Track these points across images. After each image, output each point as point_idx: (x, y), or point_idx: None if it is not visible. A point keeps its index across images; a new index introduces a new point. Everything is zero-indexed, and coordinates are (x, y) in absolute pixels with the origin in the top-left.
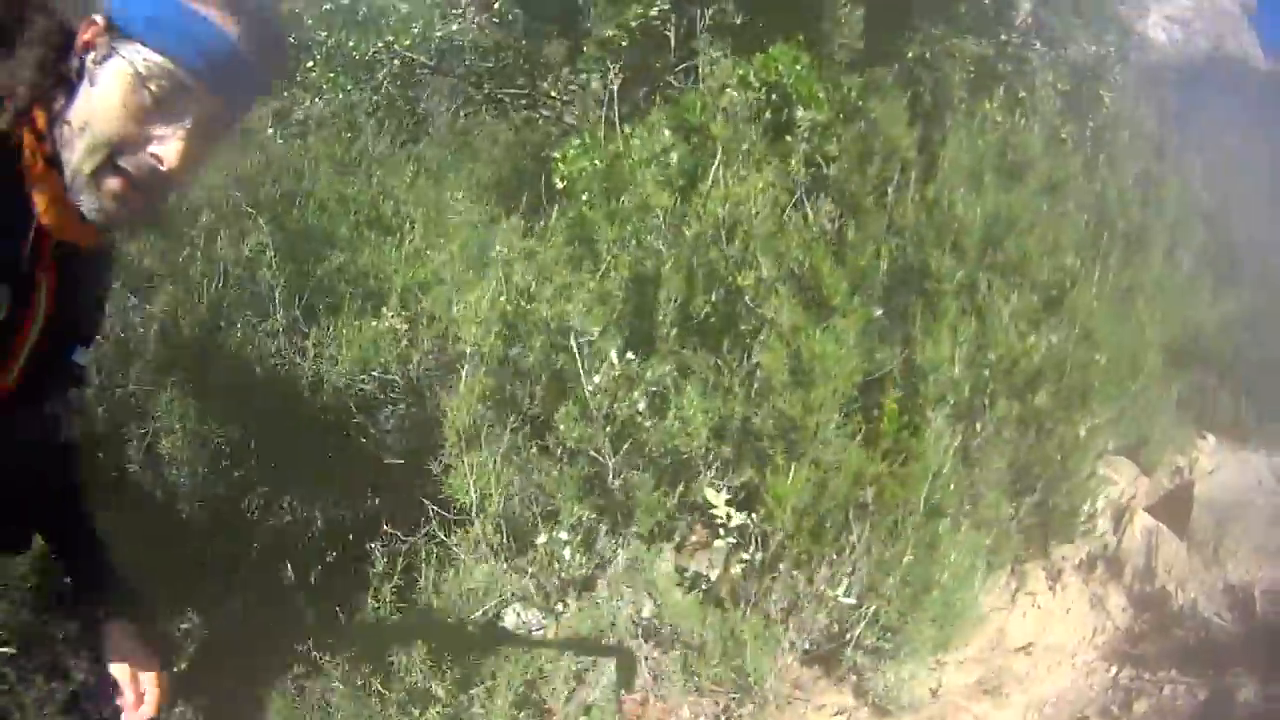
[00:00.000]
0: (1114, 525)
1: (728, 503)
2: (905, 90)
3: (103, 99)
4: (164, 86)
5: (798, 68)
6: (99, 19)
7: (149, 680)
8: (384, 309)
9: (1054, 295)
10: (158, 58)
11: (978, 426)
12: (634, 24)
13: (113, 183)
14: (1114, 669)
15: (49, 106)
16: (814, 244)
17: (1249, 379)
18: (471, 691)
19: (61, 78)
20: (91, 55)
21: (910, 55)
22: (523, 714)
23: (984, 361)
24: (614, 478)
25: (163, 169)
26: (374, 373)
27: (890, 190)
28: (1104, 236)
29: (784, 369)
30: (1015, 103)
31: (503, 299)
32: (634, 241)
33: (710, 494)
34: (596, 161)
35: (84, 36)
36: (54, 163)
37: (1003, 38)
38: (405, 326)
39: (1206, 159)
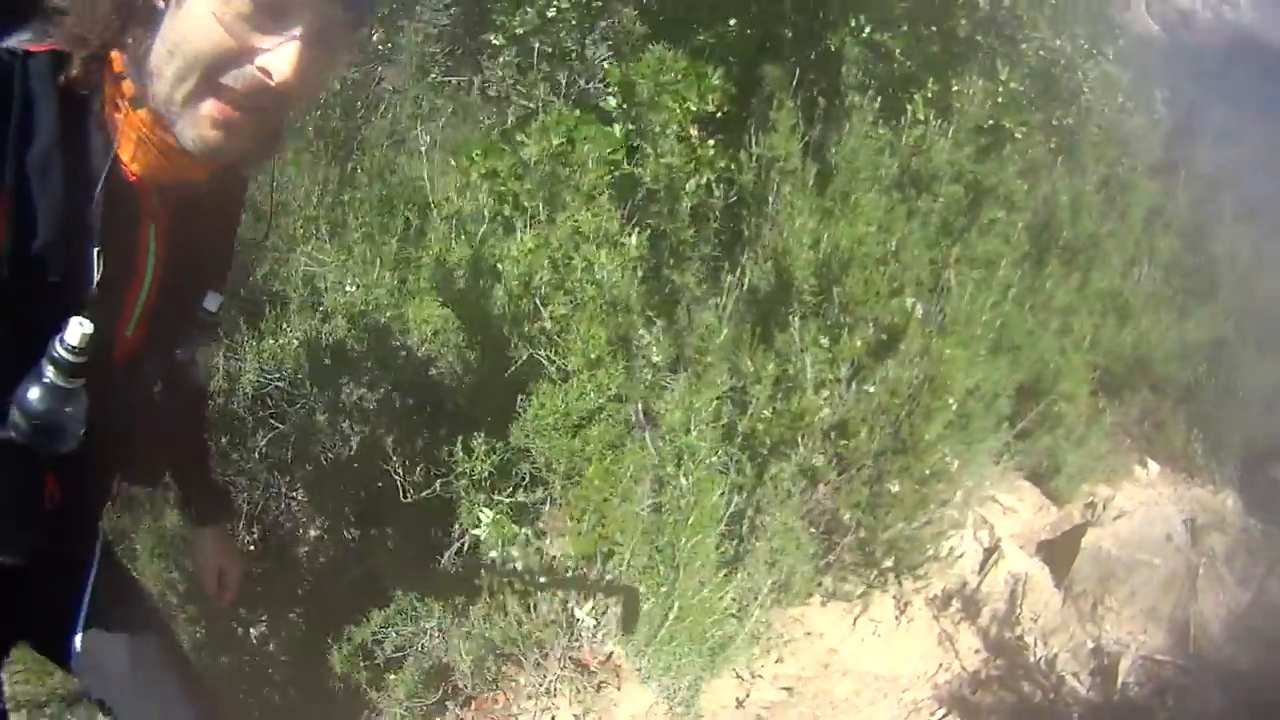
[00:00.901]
0: (981, 562)
1: None
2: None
3: (192, 12)
4: None
5: (672, 74)
6: None
7: (232, 575)
8: None
9: (884, 339)
10: None
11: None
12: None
13: (210, 106)
14: (942, 712)
15: (129, 43)
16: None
17: (1204, 409)
18: None
19: (140, 9)
20: None
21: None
22: None
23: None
24: None
25: (272, 84)
26: None
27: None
28: (1050, 246)
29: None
30: (957, 98)
31: None
32: None
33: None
34: None
35: None
36: (138, 103)
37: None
38: None
39: (1219, 159)
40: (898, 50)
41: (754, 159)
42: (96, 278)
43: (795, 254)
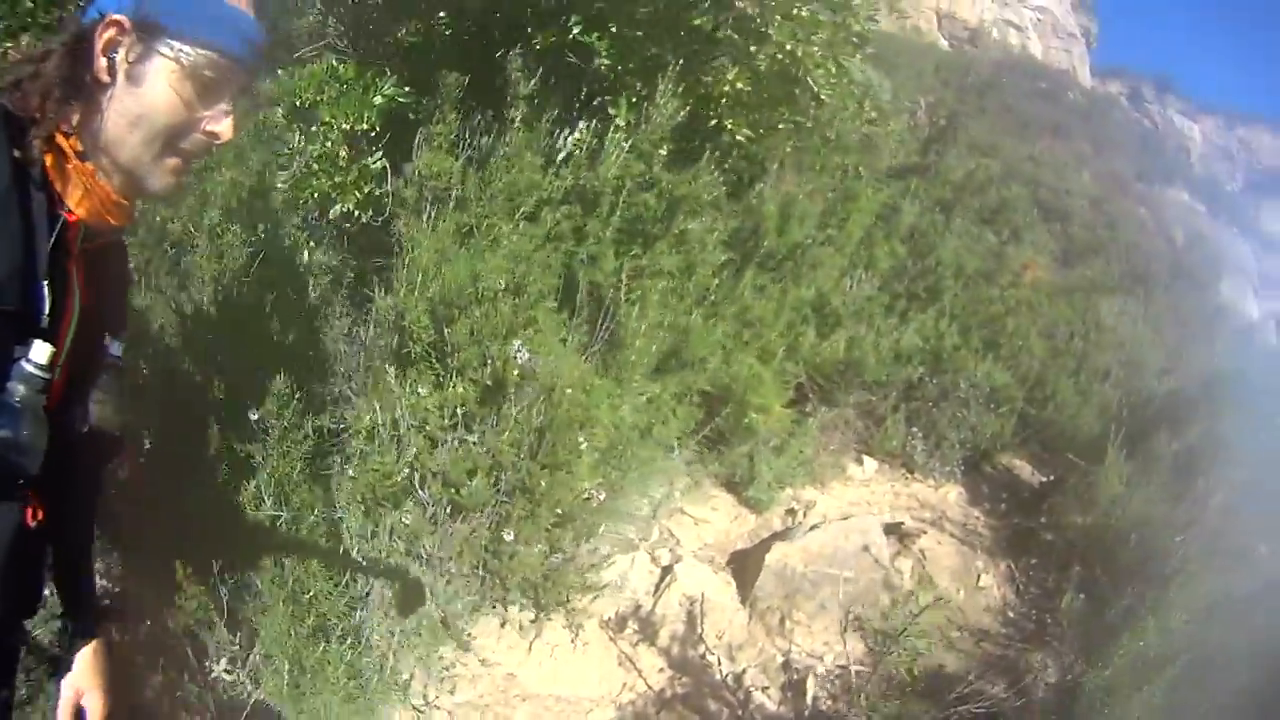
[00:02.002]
0: (657, 582)
1: None
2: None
3: (155, 95)
4: (212, 75)
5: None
6: (119, 18)
7: (95, 708)
8: None
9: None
10: (198, 50)
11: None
12: None
13: (173, 162)
14: None
15: (74, 108)
16: None
17: (926, 407)
18: None
19: (82, 83)
20: (122, 53)
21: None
22: None
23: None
24: None
25: (218, 142)
26: None
27: None
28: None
29: None
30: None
31: None
32: None
33: None
34: None
35: (105, 35)
36: (84, 157)
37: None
38: None
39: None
40: (603, 51)
41: (416, 176)
42: (46, 309)
43: (414, 291)
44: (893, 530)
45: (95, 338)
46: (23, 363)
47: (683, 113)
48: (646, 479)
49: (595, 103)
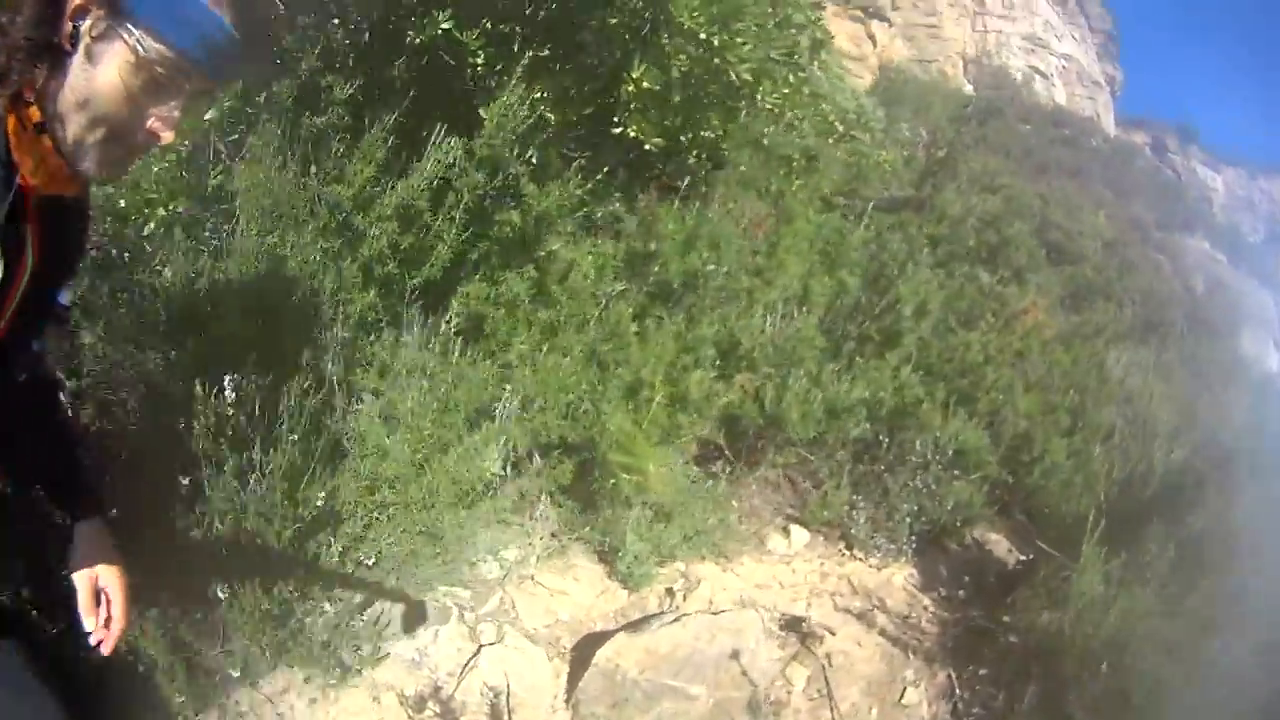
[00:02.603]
0: (463, 664)
1: None
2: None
3: (105, 80)
4: (164, 72)
5: None
6: None
7: (114, 585)
8: None
9: None
10: (158, 44)
11: None
12: None
13: (110, 150)
14: None
15: (37, 75)
16: None
17: (876, 471)
18: None
19: (50, 45)
20: (87, 25)
21: None
22: None
23: None
24: None
25: (158, 143)
26: None
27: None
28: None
29: None
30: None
31: None
32: None
33: None
34: None
35: (75, 1)
36: (42, 126)
37: None
38: None
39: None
40: (475, 47)
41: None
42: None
43: None
44: (793, 626)
45: (45, 291)
46: None
47: (584, 114)
48: (489, 538)
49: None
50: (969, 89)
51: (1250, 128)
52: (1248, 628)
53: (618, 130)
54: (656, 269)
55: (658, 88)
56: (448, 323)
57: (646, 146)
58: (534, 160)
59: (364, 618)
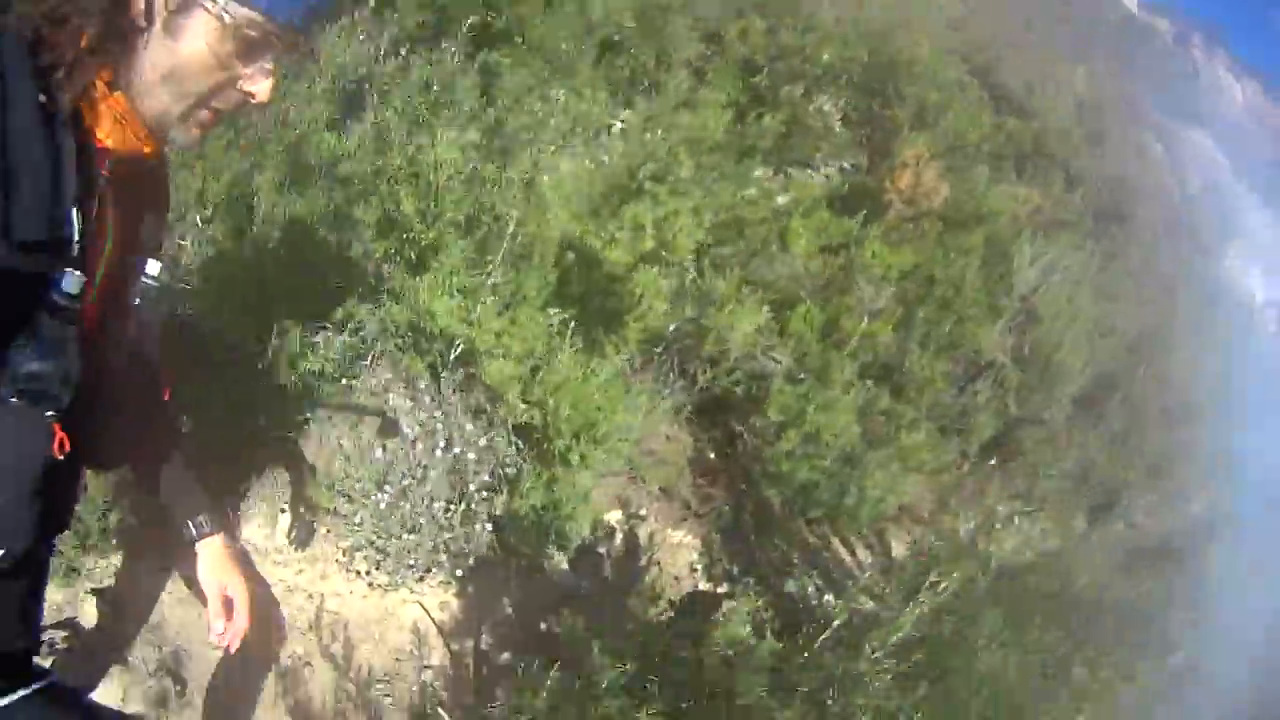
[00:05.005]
0: None
1: None
2: None
3: (191, 51)
4: (252, 35)
5: None
6: None
7: (240, 596)
8: None
9: None
10: (243, 8)
11: None
12: None
13: (203, 116)
14: None
15: (112, 44)
16: None
17: None
18: None
19: (119, 27)
20: (163, 0)
21: None
22: None
23: None
24: None
25: (254, 102)
26: None
27: None
28: None
29: None
30: None
31: None
32: None
33: None
34: None
35: None
36: (114, 86)
37: None
38: None
39: None
40: None
41: None
42: (76, 238)
43: None
44: None
45: (132, 261)
46: (53, 293)
47: None
48: None
49: None
50: None
51: None
52: None
53: None
54: None
55: None
56: None
57: None
58: None
59: None
